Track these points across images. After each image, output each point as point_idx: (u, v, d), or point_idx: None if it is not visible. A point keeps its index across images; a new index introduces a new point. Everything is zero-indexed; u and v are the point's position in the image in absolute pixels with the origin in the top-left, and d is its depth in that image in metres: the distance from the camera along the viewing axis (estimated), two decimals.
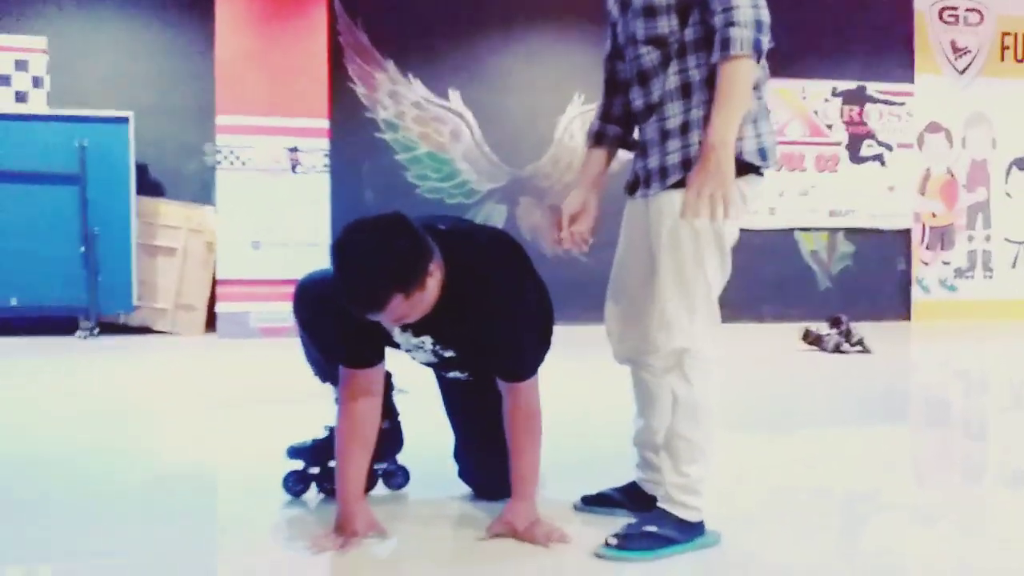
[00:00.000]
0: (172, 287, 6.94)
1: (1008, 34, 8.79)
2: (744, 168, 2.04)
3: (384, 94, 7.61)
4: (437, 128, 7.67)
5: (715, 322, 2.13)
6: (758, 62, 1.99)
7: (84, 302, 6.64)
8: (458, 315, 2.15)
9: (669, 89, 2.09)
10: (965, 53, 8.71)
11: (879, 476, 2.99)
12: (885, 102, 8.54)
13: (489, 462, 2.38)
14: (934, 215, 8.66)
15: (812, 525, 2.43)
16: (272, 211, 6.82)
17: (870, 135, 8.52)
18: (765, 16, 1.97)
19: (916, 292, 8.61)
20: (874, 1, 8.46)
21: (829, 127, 8.45)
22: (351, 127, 7.39)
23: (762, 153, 2.08)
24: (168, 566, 2.07)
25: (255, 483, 2.74)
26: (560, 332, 2.49)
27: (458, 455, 2.59)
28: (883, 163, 8.54)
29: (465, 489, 2.56)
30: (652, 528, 2.13)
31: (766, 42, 1.97)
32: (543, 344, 2.38)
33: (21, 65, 7.02)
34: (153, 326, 6.93)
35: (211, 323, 6.94)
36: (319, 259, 6.70)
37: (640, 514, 2.24)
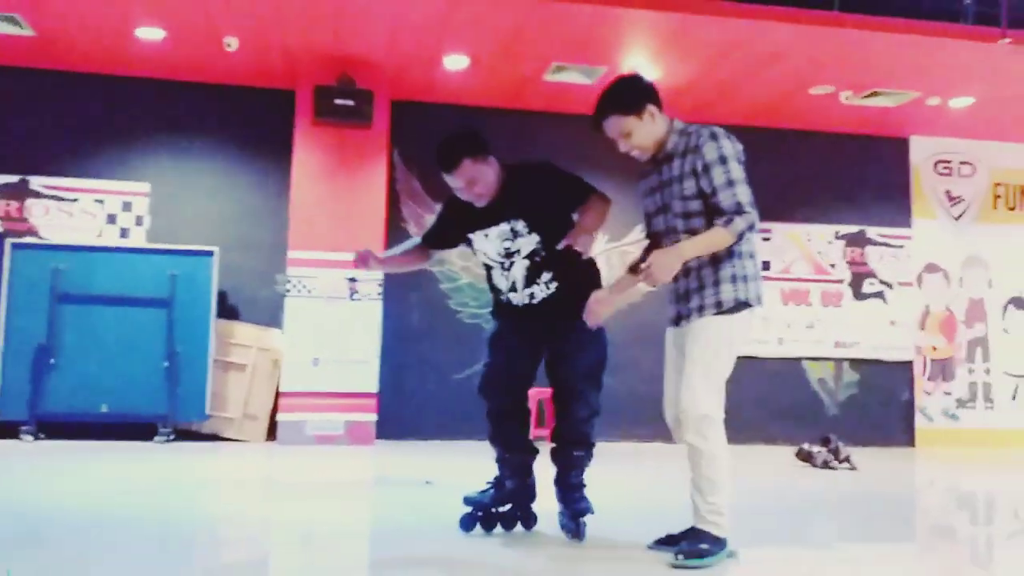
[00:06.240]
0: (240, 399, 7.86)
1: (1000, 184, 9.56)
2: (731, 308, 3.15)
3: None
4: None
5: (722, 398, 3.17)
6: (736, 239, 3.09)
7: (164, 410, 7.51)
8: (520, 190, 3.41)
9: (703, 258, 3.17)
10: (959, 201, 9.47)
11: None
12: (885, 244, 9.31)
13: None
14: (935, 348, 9.25)
15: None
16: (331, 332, 7.78)
17: (871, 274, 9.28)
18: (755, 220, 3.12)
19: (919, 420, 9.12)
20: (872, 155, 9.36)
21: (832, 266, 9.23)
22: None
23: (739, 299, 3.16)
24: None
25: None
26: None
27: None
28: (884, 300, 9.26)
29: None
30: (698, 544, 3.12)
31: (749, 235, 3.14)
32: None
33: (127, 206, 8.27)
34: (222, 433, 7.80)
35: (272, 431, 7.81)
36: (370, 374, 7.62)
37: (687, 534, 3.19)
